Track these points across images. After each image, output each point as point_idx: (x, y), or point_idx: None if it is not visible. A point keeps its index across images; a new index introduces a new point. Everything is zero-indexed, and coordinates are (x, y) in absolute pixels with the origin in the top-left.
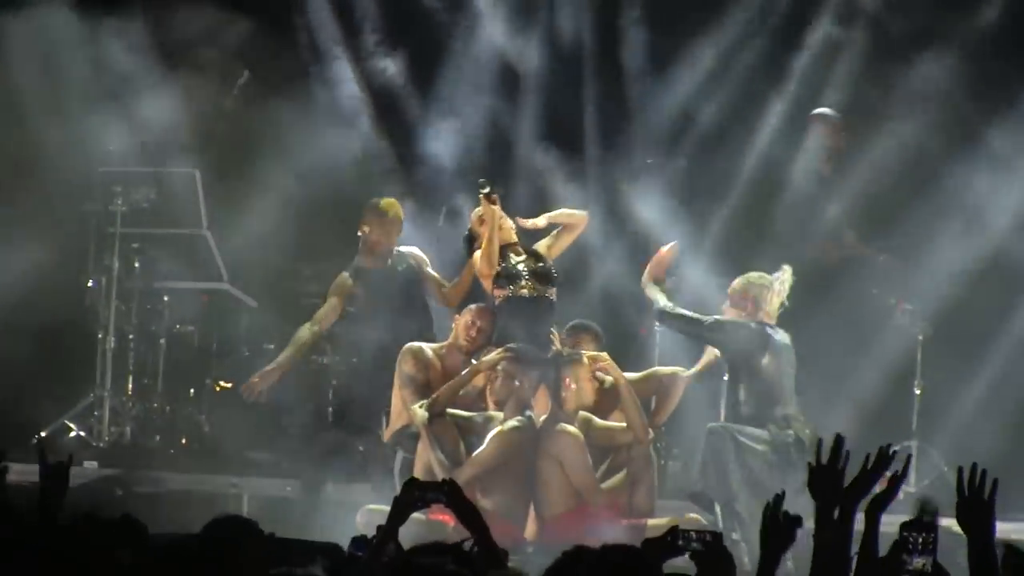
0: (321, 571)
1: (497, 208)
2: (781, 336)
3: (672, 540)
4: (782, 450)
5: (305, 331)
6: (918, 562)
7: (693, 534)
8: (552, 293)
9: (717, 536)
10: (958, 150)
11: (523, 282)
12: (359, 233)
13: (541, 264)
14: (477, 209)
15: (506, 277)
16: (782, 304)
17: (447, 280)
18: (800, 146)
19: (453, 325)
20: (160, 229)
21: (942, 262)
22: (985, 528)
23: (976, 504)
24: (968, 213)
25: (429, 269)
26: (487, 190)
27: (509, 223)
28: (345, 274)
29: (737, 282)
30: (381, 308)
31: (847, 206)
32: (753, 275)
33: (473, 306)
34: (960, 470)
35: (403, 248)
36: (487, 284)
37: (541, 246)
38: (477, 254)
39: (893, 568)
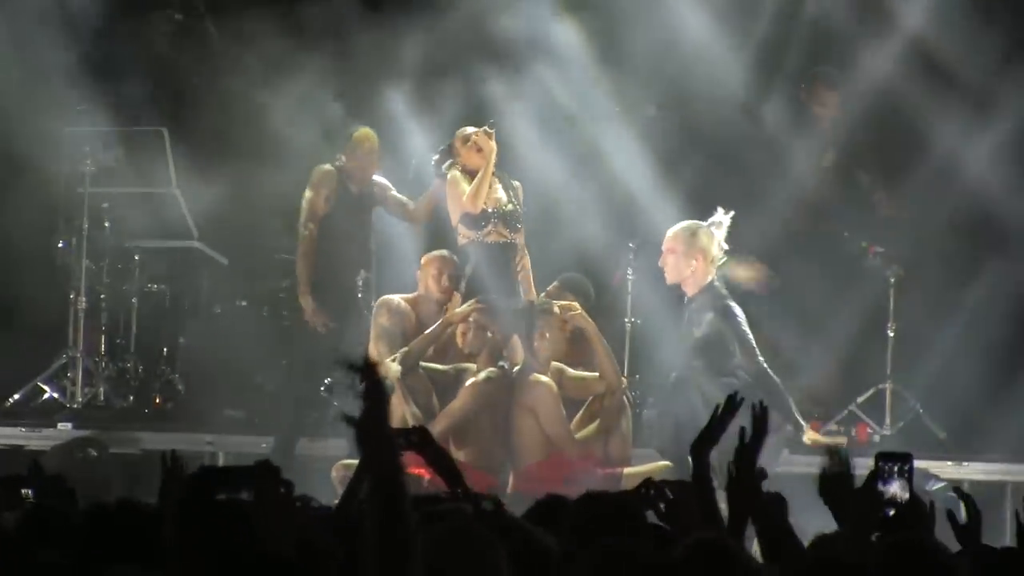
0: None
1: (493, 145)
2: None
3: (646, 492)
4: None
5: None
6: (893, 490)
7: (667, 487)
8: (518, 237)
9: (687, 486)
10: (933, 96)
11: (489, 227)
12: (335, 163)
13: (510, 205)
14: (467, 129)
15: (472, 219)
16: (722, 249)
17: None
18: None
19: (419, 275)
20: (129, 188)
21: (915, 205)
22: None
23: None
24: (942, 158)
25: (393, 192)
26: (491, 127)
27: (494, 152)
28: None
29: (679, 235)
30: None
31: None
32: (691, 225)
33: (435, 255)
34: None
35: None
36: (455, 216)
37: (522, 192)
38: (455, 173)
39: (868, 496)
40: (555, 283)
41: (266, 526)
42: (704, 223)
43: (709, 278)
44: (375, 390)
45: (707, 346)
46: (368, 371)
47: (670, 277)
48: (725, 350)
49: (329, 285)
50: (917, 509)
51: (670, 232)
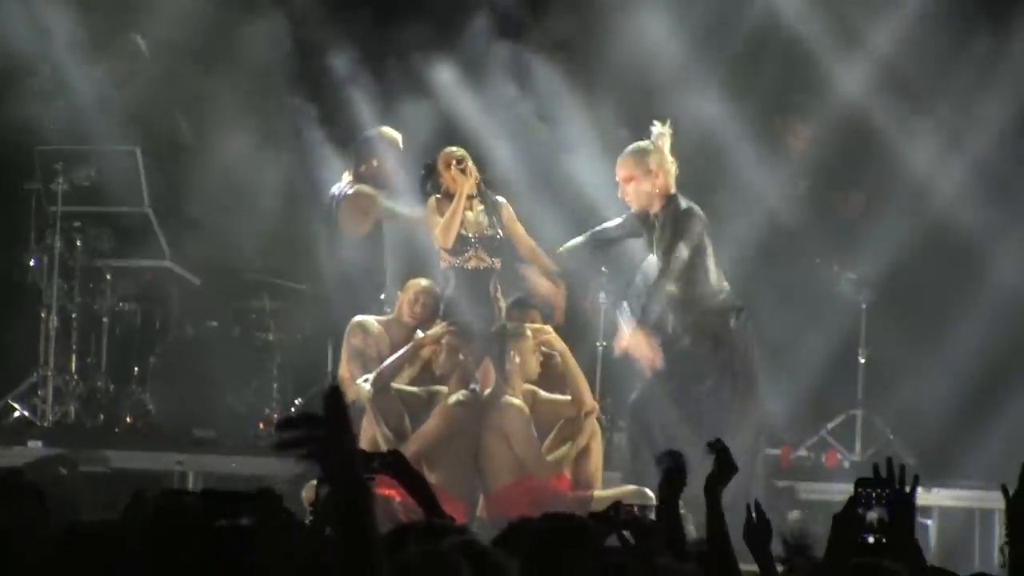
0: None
1: (470, 179)
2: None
3: (615, 515)
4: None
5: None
6: (872, 516)
7: (636, 508)
8: (497, 262)
9: (660, 512)
10: (904, 121)
11: (469, 253)
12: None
13: (490, 230)
14: (452, 151)
15: (456, 247)
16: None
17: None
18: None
19: (399, 297)
20: (102, 207)
21: (886, 231)
22: (909, 517)
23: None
24: (913, 183)
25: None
26: (461, 162)
27: (475, 174)
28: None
29: (629, 161)
30: None
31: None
32: (637, 147)
33: (416, 282)
34: (888, 460)
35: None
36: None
37: (505, 209)
38: (431, 202)
39: (847, 521)
40: (511, 307)
41: (267, 553)
42: (646, 141)
43: (672, 191)
44: (337, 415)
45: (681, 273)
46: (332, 396)
47: (635, 204)
48: (695, 276)
49: None
50: (900, 535)
51: (620, 161)
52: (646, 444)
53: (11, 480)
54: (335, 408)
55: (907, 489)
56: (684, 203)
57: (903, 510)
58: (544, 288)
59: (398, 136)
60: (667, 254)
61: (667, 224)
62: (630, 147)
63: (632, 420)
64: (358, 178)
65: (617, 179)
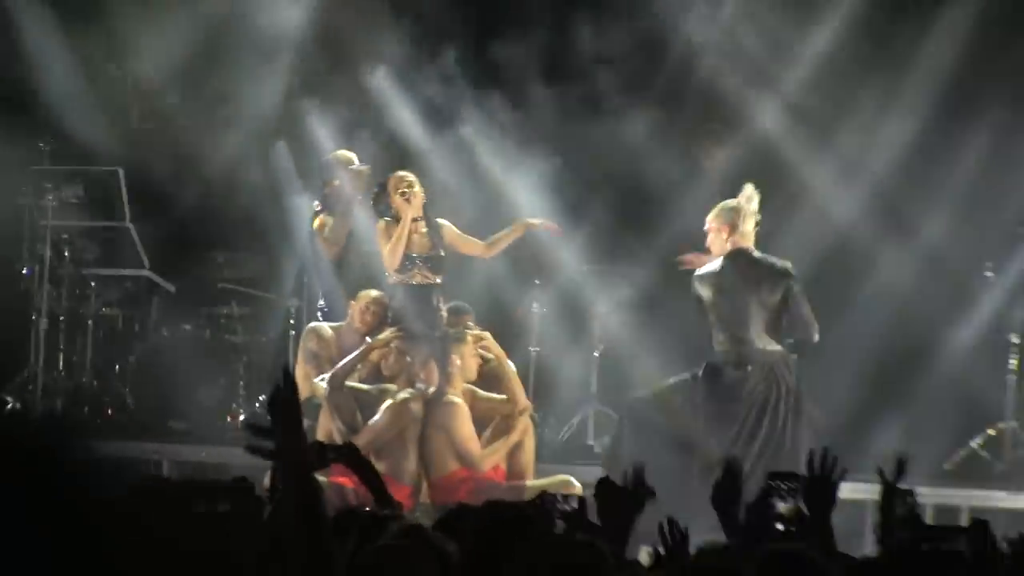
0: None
1: (413, 207)
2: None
3: (541, 503)
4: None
5: None
6: (784, 506)
7: (559, 498)
8: (439, 278)
9: (582, 501)
10: (810, 150)
11: (414, 270)
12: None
13: (431, 251)
14: (401, 177)
15: (400, 266)
16: (756, 222)
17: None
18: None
19: (351, 306)
20: (87, 222)
21: (792, 243)
22: (827, 506)
23: (822, 485)
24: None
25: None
26: (407, 191)
27: (421, 198)
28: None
29: (715, 215)
30: None
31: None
32: (725, 204)
33: (366, 293)
34: (811, 453)
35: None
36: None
37: (447, 229)
38: (380, 225)
39: (761, 512)
40: (448, 313)
41: (239, 537)
42: (735, 201)
43: (743, 245)
44: (287, 406)
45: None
46: (285, 389)
47: (714, 250)
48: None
49: None
50: (809, 524)
51: (711, 212)
52: (636, 439)
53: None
54: (288, 416)
55: (834, 479)
56: (756, 254)
57: (823, 499)
58: (538, 227)
59: (353, 155)
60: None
61: (724, 284)
62: (721, 203)
63: (628, 414)
64: (323, 200)
65: (708, 228)
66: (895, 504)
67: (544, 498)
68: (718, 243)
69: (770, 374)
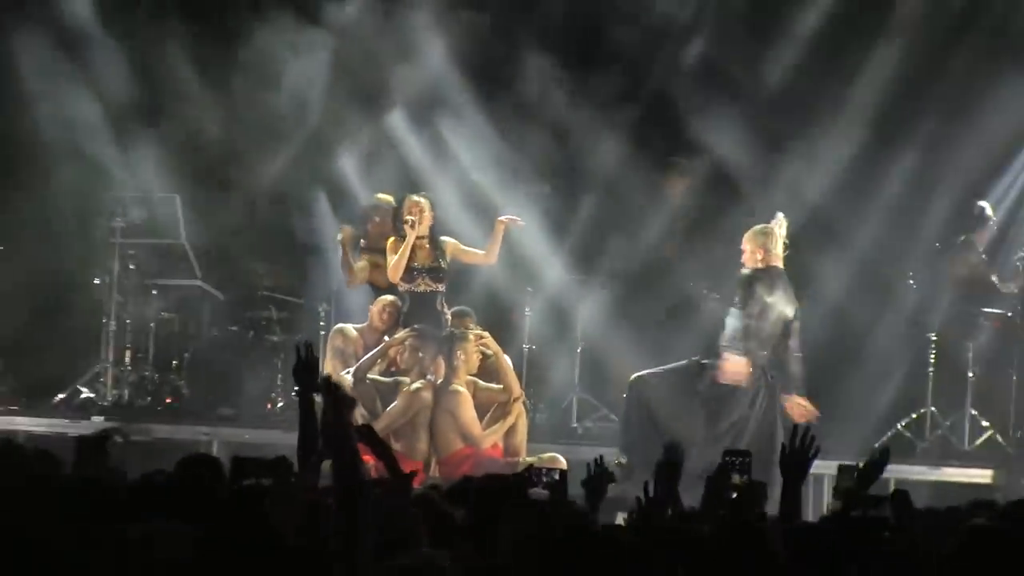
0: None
1: (416, 231)
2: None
3: (528, 475)
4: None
5: None
6: (737, 478)
7: (544, 471)
8: (441, 286)
9: (563, 474)
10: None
11: (419, 280)
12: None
13: (433, 263)
14: (413, 203)
15: (407, 276)
16: (785, 245)
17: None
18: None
19: (371, 310)
20: (149, 240)
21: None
22: (800, 477)
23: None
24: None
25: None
26: (408, 219)
27: (428, 220)
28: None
29: (747, 236)
30: None
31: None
32: (756, 227)
33: (383, 298)
34: (795, 428)
35: None
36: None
37: (450, 244)
38: (390, 242)
39: (719, 483)
40: (453, 316)
41: (279, 508)
42: (768, 224)
43: (772, 264)
44: (338, 402)
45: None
46: (329, 388)
47: (748, 264)
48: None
49: None
50: (752, 492)
51: (746, 234)
52: (638, 416)
53: (98, 440)
54: (335, 399)
55: (809, 455)
56: (781, 276)
57: (798, 470)
58: (507, 223)
59: (391, 197)
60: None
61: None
62: (755, 226)
63: (631, 392)
64: (367, 236)
65: (741, 247)
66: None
67: (531, 470)
68: (752, 262)
69: (762, 374)
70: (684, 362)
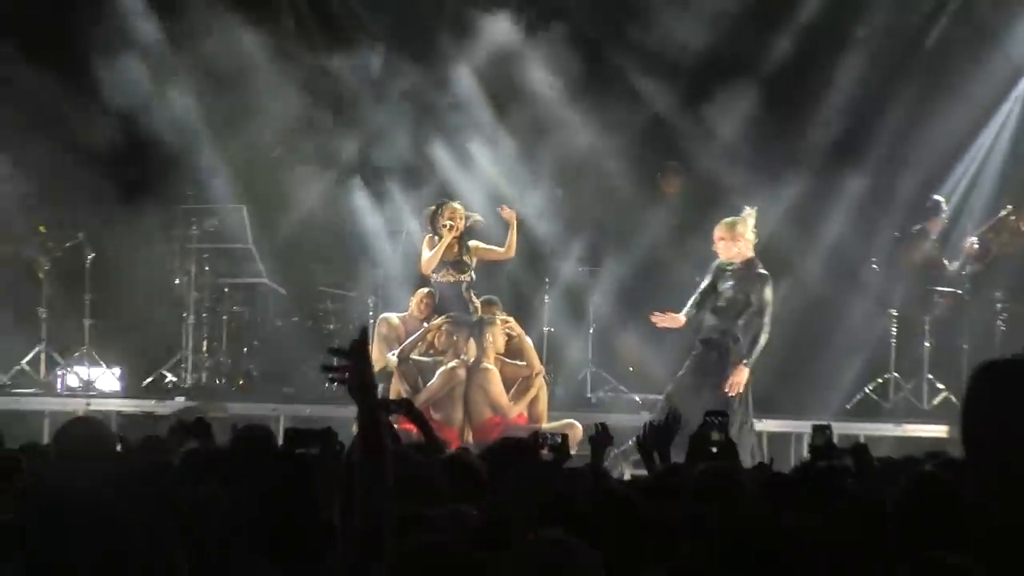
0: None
1: (452, 234)
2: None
3: (534, 439)
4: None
5: None
6: (716, 436)
7: (548, 435)
8: (466, 277)
9: (564, 437)
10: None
11: (443, 271)
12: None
13: (458, 258)
14: (453, 210)
15: (436, 268)
16: (754, 234)
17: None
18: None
19: (411, 301)
20: (222, 244)
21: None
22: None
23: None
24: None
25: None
26: (446, 223)
27: (462, 225)
28: None
29: (722, 229)
30: None
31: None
32: (730, 220)
33: (421, 291)
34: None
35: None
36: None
37: (473, 245)
38: (428, 238)
39: (700, 438)
40: (482, 304)
41: (323, 471)
42: (739, 216)
43: (750, 254)
44: (360, 353)
45: (729, 307)
46: (357, 344)
47: (723, 256)
48: (738, 313)
49: None
50: (729, 448)
51: (717, 227)
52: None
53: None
54: (359, 345)
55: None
56: (761, 269)
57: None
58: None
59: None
60: (710, 299)
61: (735, 284)
62: (726, 218)
63: (666, 402)
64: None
65: (714, 238)
66: (819, 436)
67: (538, 434)
68: (726, 251)
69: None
70: (690, 360)
